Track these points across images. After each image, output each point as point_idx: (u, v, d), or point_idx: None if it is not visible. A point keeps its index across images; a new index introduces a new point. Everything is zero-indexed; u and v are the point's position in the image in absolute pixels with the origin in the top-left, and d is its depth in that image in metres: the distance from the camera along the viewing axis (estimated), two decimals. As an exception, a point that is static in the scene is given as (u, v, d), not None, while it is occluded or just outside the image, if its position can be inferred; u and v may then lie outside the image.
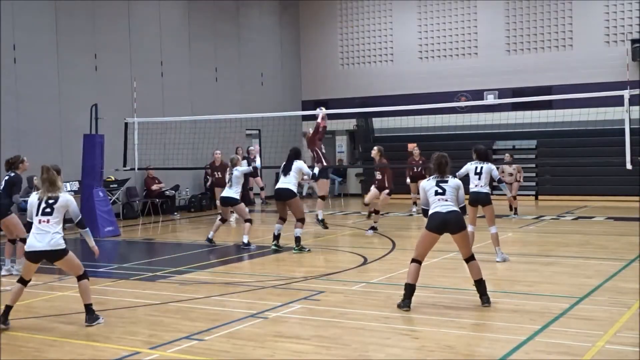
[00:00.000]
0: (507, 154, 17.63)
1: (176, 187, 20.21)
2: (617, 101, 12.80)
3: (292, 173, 12.25)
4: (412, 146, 19.05)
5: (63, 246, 7.31)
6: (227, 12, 23.22)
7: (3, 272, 10.38)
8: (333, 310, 7.72)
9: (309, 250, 12.09)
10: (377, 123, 24.89)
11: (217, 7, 22.73)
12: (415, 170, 17.96)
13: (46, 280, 10.11)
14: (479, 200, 10.72)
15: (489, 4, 23.56)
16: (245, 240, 12.72)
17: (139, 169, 16.64)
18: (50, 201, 7.34)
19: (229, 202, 13.04)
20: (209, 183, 19.62)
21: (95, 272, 10.82)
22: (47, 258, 7.33)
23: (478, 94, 22.95)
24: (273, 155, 19.79)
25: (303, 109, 25.24)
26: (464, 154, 18.87)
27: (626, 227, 14.59)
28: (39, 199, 7.38)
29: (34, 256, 7.30)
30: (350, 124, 25.14)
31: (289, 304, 8.07)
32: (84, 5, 18.34)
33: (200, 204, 20.78)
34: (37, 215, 7.31)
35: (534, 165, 21.91)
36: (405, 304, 7.69)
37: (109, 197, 16.64)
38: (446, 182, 7.93)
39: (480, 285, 7.82)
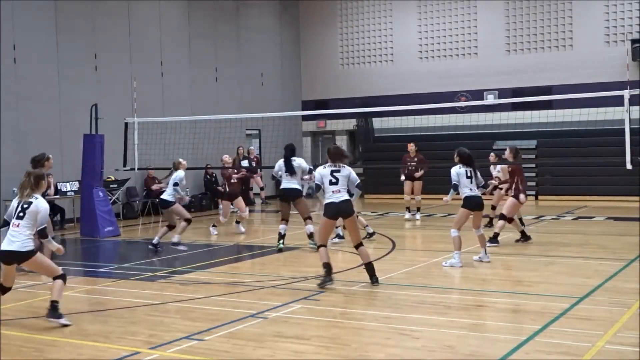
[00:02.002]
0: (491, 154, 15.23)
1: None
2: (617, 101, 12.78)
3: (296, 172, 12.27)
4: (411, 146, 18.99)
5: (30, 248, 7.36)
6: (227, 12, 23.21)
7: None
8: (333, 310, 7.72)
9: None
10: (377, 123, 24.88)
11: (217, 7, 22.73)
12: (411, 168, 17.50)
13: (46, 280, 10.10)
14: (479, 204, 10.46)
15: (489, 4, 23.56)
16: (176, 240, 12.71)
17: (139, 169, 16.64)
18: (25, 206, 7.50)
19: (163, 205, 12.94)
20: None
21: (95, 272, 10.84)
22: (15, 260, 7.40)
23: (478, 94, 22.94)
24: (273, 155, 19.77)
25: (303, 109, 25.26)
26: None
27: (626, 227, 14.59)
28: (18, 203, 7.58)
29: (4, 257, 7.39)
30: (350, 124, 25.14)
31: (289, 304, 8.07)
32: (84, 5, 18.33)
33: (200, 204, 20.77)
34: (13, 217, 7.48)
35: (534, 165, 21.90)
36: (327, 279, 8.84)
37: (109, 197, 16.64)
38: (339, 171, 9.05)
39: (369, 267, 9.02)
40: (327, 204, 9.00)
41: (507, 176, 14.73)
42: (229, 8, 23.29)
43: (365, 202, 22.92)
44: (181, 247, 12.67)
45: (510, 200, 12.42)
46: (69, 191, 16.89)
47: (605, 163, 18.67)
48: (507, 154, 12.85)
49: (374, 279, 8.99)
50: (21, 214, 7.45)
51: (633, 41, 20.85)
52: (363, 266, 9.12)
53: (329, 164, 9.15)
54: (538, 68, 22.45)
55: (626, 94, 12.01)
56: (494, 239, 12.21)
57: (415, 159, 16.95)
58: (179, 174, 12.96)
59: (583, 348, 6.10)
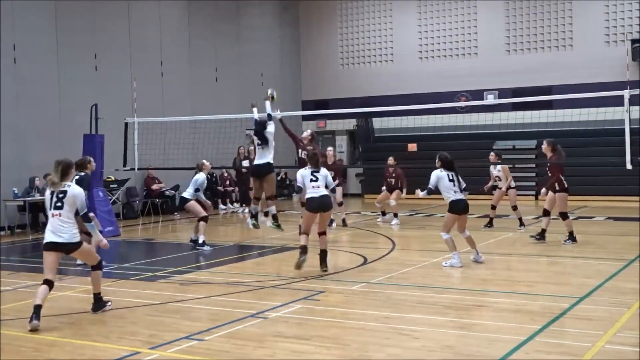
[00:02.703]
0: (492, 153, 14.94)
1: (176, 187, 20.21)
2: (617, 101, 12.78)
3: (269, 140, 12.24)
4: (412, 146, 19.01)
5: (79, 239, 7.58)
6: (227, 12, 23.22)
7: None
8: (333, 310, 7.72)
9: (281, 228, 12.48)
10: (377, 123, 24.89)
11: (217, 7, 22.73)
12: (391, 183, 16.97)
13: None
14: (465, 207, 10.36)
15: (489, 4, 23.57)
16: (201, 240, 12.84)
17: (139, 169, 16.63)
18: (60, 195, 7.52)
19: (181, 202, 13.38)
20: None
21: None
22: (64, 251, 7.55)
23: (478, 94, 22.95)
24: (273, 155, 19.74)
25: (303, 109, 25.26)
26: (464, 154, 18.96)
27: (626, 227, 14.59)
28: (51, 193, 7.57)
29: (53, 248, 7.46)
30: (350, 124, 25.15)
31: (289, 304, 8.07)
32: (84, 5, 18.34)
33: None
34: (50, 209, 7.51)
35: (534, 165, 21.90)
36: (303, 258, 9.98)
37: (109, 197, 16.63)
38: (318, 172, 10.28)
39: (323, 254, 10.17)
40: (308, 199, 10.21)
41: (508, 176, 14.74)
42: (229, 8, 23.29)
43: (365, 202, 22.93)
44: (206, 248, 12.66)
45: (560, 195, 12.44)
46: (69, 191, 16.88)
47: (605, 163, 18.67)
48: (545, 148, 12.78)
49: (323, 265, 10.10)
50: (59, 204, 7.48)
51: (633, 41, 20.87)
52: (319, 252, 10.20)
53: (309, 167, 10.38)
54: (538, 68, 22.46)
55: (626, 94, 12.01)
56: (542, 235, 12.51)
57: (394, 174, 16.38)
58: (200, 177, 13.04)
59: (583, 348, 6.09)
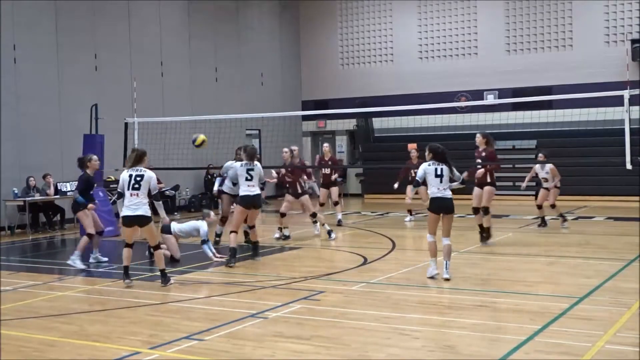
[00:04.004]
0: (540, 153, 15.10)
1: (176, 187, 20.21)
2: (617, 101, 12.77)
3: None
4: (411, 146, 18.96)
5: (150, 214, 9.20)
6: (227, 12, 23.22)
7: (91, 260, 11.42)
8: (333, 310, 7.72)
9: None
10: (377, 123, 24.89)
11: (217, 7, 22.73)
12: (413, 174, 17.21)
13: (46, 280, 10.12)
14: (446, 207, 9.29)
15: (489, 4, 23.57)
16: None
17: (139, 169, 16.61)
18: (138, 178, 9.16)
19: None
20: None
21: (95, 272, 10.83)
22: (138, 223, 9.17)
23: (478, 94, 22.95)
24: (273, 155, 19.79)
25: (303, 109, 25.27)
26: (464, 154, 18.90)
27: (626, 227, 14.59)
28: (129, 176, 9.21)
29: (128, 221, 9.17)
30: (350, 124, 25.14)
31: (289, 304, 8.07)
32: (84, 5, 18.34)
33: (200, 204, 20.78)
34: (128, 189, 9.12)
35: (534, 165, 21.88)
36: (232, 260, 10.60)
37: (109, 197, 16.63)
38: (253, 169, 10.79)
39: (255, 245, 11.16)
40: (242, 196, 10.81)
41: (557, 176, 14.75)
42: (229, 8, 23.29)
43: (365, 202, 22.94)
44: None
45: (489, 189, 12.44)
46: (69, 191, 16.85)
47: (605, 163, 18.66)
48: (479, 140, 12.79)
49: (255, 254, 11.14)
50: (136, 185, 9.11)
51: (633, 41, 20.86)
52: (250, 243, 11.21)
53: (244, 162, 10.86)
54: (538, 68, 22.45)
55: (626, 94, 12.00)
56: (487, 232, 12.41)
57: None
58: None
59: (583, 348, 6.09)
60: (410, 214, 16.74)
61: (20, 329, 7.26)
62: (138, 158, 9.35)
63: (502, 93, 22.34)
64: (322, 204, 15.79)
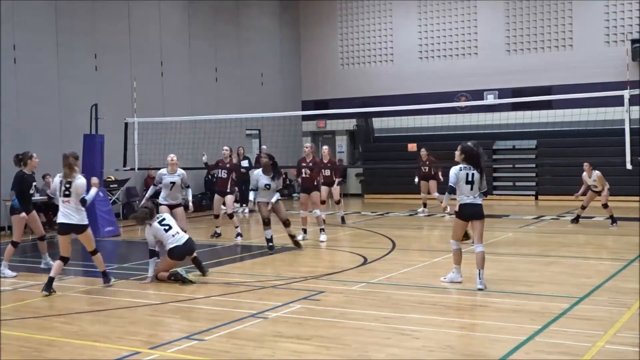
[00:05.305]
0: (585, 164, 15.07)
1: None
2: (617, 101, 12.78)
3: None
4: (411, 146, 19.02)
5: (85, 222, 9.07)
6: (227, 12, 23.21)
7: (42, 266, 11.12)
8: (333, 310, 7.72)
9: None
10: (377, 123, 24.88)
11: (217, 7, 22.73)
12: (424, 170, 17.88)
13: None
14: (477, 213, 8.79)
15: (489, 4, 23.57)
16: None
17: (139, 169, 16.63)
18: (67, 185, 8.97)
19: None
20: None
21: (95, 272, 10.82)
22: (73, 231, 9.04)
23: (478, 94, 22.95)
24: (273, 155, 19.71)
25: (303, 109, 25.27)
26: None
27: (626, 227, 14.59)
28: (60, 182, 9.05)
29: (64, 229, 9.03)
30: (350, 124, 25.14)
31: (289, 304, 8.07)
32: (84, 5, 18.34)
33: (200, 203, 20.76)
34: (60, 196, 8.97)
35: (534, 165, 21.90)
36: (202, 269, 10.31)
37: (109, 197, 16.63)
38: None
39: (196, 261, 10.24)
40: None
41: (604, 184, 14.84)
42: (229, 8, 23.29)
43: (365, 202, 22.93)
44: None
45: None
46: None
47: (605, 163, 18.64)
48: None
49: (203, 269, 10.30)
50: (67, 192, 8.97)
51: (633, 41, 20.86)
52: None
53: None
54: (538, 68, 22.45)
55: (626, 94, 12.01)
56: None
57: (427, 162, 17.71)
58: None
59: (583, 348, 6.09)
60: (425, 207, 17.09)
61: (20, 328, 7.26)
62: (69, 167, 9.10)
63: (502, 93, 22.34)
64: (323, 202, 15.77)
